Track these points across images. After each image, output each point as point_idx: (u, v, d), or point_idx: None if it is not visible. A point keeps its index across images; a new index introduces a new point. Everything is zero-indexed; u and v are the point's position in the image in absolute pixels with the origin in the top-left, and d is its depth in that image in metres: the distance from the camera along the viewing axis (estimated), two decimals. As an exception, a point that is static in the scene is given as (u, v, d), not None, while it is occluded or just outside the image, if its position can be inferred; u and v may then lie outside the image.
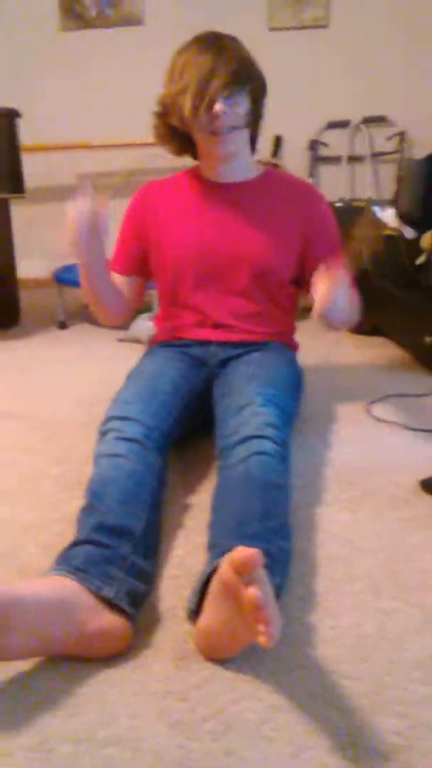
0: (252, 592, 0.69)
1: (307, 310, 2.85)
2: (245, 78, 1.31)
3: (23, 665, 0.83)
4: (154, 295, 2.51)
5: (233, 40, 1.34)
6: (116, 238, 1.56)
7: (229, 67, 1.27)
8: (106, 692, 0.79)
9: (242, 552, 0.70)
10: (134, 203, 1.53)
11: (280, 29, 3.59)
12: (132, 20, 3.69)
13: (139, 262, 1.54)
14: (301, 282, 1.53)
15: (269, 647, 0.70)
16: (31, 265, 3.79)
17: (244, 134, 1.41)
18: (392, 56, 3.53)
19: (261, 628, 0.68)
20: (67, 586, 0.83)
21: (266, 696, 0.77)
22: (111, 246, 1.57)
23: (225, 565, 0.74)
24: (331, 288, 1.21)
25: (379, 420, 1.60)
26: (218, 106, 1.28)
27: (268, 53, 3.56)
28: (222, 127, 1.32)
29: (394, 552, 1.05)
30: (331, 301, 1.21)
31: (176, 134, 1.41)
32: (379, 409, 1.67)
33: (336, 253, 1.53)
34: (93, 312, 1.51)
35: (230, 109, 1.30)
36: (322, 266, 1.26)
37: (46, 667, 0.82)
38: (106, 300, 1.47)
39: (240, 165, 1.46)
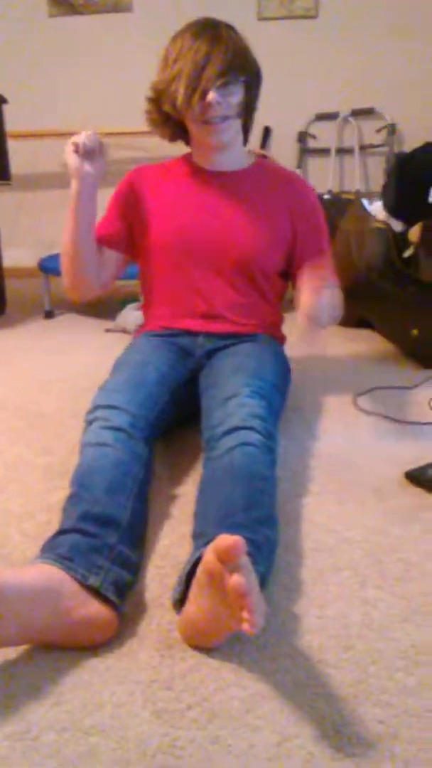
0: (235, 579, 0.69)
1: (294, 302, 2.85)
2: (240, 67, 1.29)
3: (9, 653, 0.82)
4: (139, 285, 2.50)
5: (229, 28, 1.32)
6: (101, 217, 1.52)
7: (224, 56, 1.26)
8: (91, 681, 0.79)
9: (225, 540, 0.70)
10: (123, 185, 1.51)
11: (269, 19, 3.57)
12: (120, 6, 3.65)
13: (122, 239, 1.49)
14: (289, 273, 1.53)
15: (253, 635, 0.70)
16: (17, 254, 3.75)
17: (237, 124, 1.39)
18: (381, 48, 3.52)
19: (245, 615, 0.68)
20: (52, 574, 0.82)
21: (251, 684, 0.78)
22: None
23: (209, 553, 0.74)
24: (316, 296, 1.22)
25: (365, 412, 1.60)
26: (211, 96, 1.27)
27: (257, 43, 3.54)
28: (215, 117, 1.31)
29: (379, 542, 1.06)
30: (318, 309, 1.22)
31: (169, 121, 1.40)
32: (365, 401, 1.67)
33: (324, 246, 1.53)
34: (65, 276, 1.44)
35: (224, 99, 1.29)
36: (308, 266, 1.27)
37: (32, 656, 0.82)
38: (85, 261, 1.40)
39: (232, 154, 1.45)
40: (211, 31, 1.28)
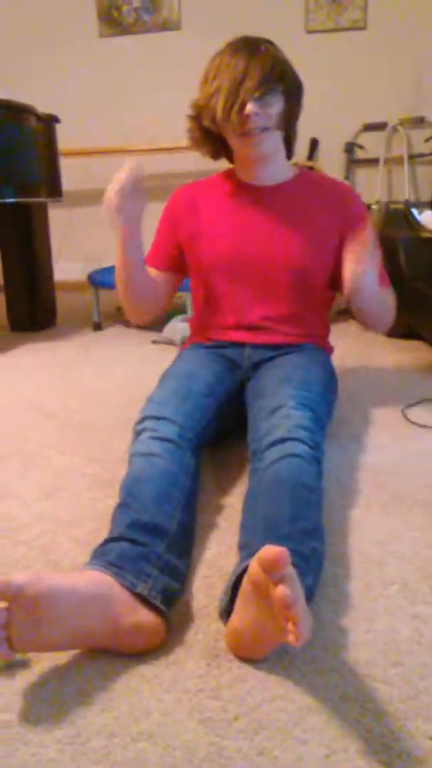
0: (281, 590, 0.68)
1: (342, 313, 2.84)
2: (278, 78, 1.30)
3: (59, 658, 0.84)
4: (188, 297, 2.52)
5: (267, 42, 1.34)
6: (151, 240, 1.57)
7: (261, 68, 1.27)
8: (139, 688, 0.79)
9: (269, 551, 0.70)
10: (170, 206, 1.54)
11: (317, 32, 3.59)
12: (169, 25, 3.73)
13: (174, 259, 1.54)
14: (338, 283, 1.53)
15: (298, 647, 0.69)
16: (68, 267, 3.85)
17: (278, 136, 1.40)
18: (430, 57, 3.49)
19: (290, 627, 0.68)
20: (102, 581, 0.84)
21: (298, 697, 0.77)
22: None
23: (254, 564, 0.74)
24: (359, 258, 1.23)
25: (415, 424, 1.58)
26: (249, 107, 1.28)
27: (305, 55, 3.58)
28: (253, 129, 1.32)
29: (428, 557, 1.04)
30: (362, 270, 1.22)
31: (210, 137, 1.42)
32: (415, 414, 1.65)
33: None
34: (123, 305, 1.49)
35: (262, 110, 1.29)
36: (350, 242, 1.26)
37: (81, 661, 0.83)
38: (139, 290, 1.44)
39: (275, 167, 1.45)
40: (249, 47, 1.30)
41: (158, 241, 1.56)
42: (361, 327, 1.53)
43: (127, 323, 2.88)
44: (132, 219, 1.28)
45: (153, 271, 1.54)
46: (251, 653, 0.83)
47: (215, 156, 1.48)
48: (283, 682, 0.80)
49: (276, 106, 1.32)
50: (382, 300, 1.39)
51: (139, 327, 2.81)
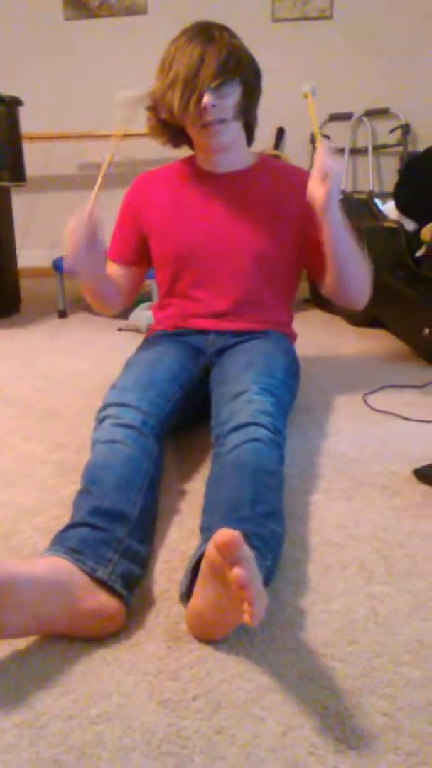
0: (236, 572, 0.69)
1: (306, 302, 2.86)
2: (234, 68, 1.29)
3: (18, 643, 0.84)
4: (153, 284, 2.51)
5: (223, 29, 1.32)
6: (113, 227, 1.56)
7: (217, 57, 1.26)
8: (99, 671, 0.80)
9: (224, 534, 0.71)
10: (130, 193, 1.54)
11: (284, 20, 3.58)
12: (135, 9, 3.68)
13: (137, 253, 1.54)
14: (307, 266, 1.54)
15: (254, 626, 0.71)
16: (32, 254, 3.79)
17: (237, 125, 1.39)
18: (396, 48, 3.52)
19: (245, 607, 0.69)
20: (61, 566, 0.84)
21: (257, 677, 0.78)
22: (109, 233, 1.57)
23: (210, 547, 0.75)
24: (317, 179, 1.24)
25: (375, 410, 1.60)
26: (206, 99, 1.27)
27: (271, 45, 3.57)
28: (212, 120, 1.31)
29: (386, 539, 1.06)
30: (324, 191, 1.23)
31: (169, 126, 1.40)
32: (375, 400, 1.67)
33: None
34: (91, 304, 1.52)
35: (219, 102, 1.29)
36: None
37: (40, 646, 0.84)
38: (105, 298, 1.50)
39: (235, 155, 1.45)
40: (204, 35, 1.28)
41: (120, 233, 1.56)
42: (335, 305, 1.52)
43: (92, 310, 2.86)
44: (93, 273, 1.33)
45: (115, 267, 1.54)
46: (211, 634, 0.84)
47: (176, 144, 1.47)
48: (242, 661, 0.81)
49: (233, 96, 1.31)
50: (353, 248, 1.38)
51: (105, 314, 2.79)
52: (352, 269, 1.41)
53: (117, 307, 1.56)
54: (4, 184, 2.62)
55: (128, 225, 1.54)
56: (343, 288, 1.46)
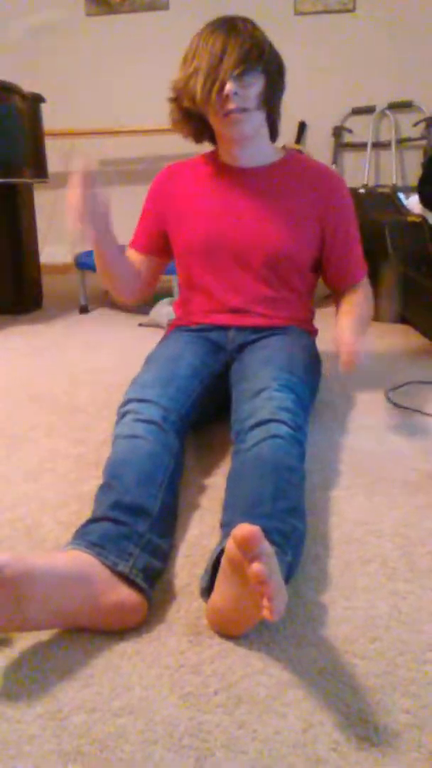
0: (255, 567, 0.69)
1: (327, 297, 2.84)
2: (257, 58, 1.28)
3: (40, 635, 0.85)
4: (174, 280, 2.52)
5: (246, 21, 1.31)
6: (138, 217, 1.57)
7: (240, 46, 1.25)
8: (120, 664, 0.80)
9: (243, 529, 0.71)
10: (154, 185, 1.54)
11: (306, 13, 3.56)
12: (157, 5, 3.68)
13: (158, 243, 1.54)
14: (319, 267, 1.53)
15: (273, 621, 0.70)
16: (53, 250, 3.82)
17: (259, 116, 1.38)
18: (419, 40, 3.48)
19: (265, 602, 0.69)
20: (83, 560, 0.84)
21: (278, 672, 0.78)
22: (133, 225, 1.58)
23: (230, 542, 0.75)
24: (353, 339, 1.25)
25: (398, 406, 1.59)
26: (229, 86, 1.26)
27: (294, 38, 3.55)
28: (234, 108, 1.30)
29: (408, 535, 1.05)
30: (356, 355, 1.23)
31: (191, 118, 1.40)
32: (398, 396, 1.66)
33: (353, 240, 1.52)
34: (108, 289, 1.52)
35: (241, 90, 1.28)
36: (347, 295, 1.27)
37: (63, 639, 0.84)
38: (121, 279, 1.48)
39: (257, 149, 1.44)
40: (227, 26, 1.28)
41: (143, 224, 1.56)
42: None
43: (113, 305, 2.87)
44: (100, 232, 1.29)
45: (135, 255, 1.54)
46: (231, 630, 0.84)
47: (197, 138, 1.47)
48: (263, 657, 0.81)
49: (256, 85, 1.30)
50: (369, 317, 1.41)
51: (126, 310, 2.80)
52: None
53: (134, 294, 1.55)
54: (27, 180, 2.64)
55: (151, 216, 1.54)
56: None
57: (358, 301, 1.48)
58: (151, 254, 1.55)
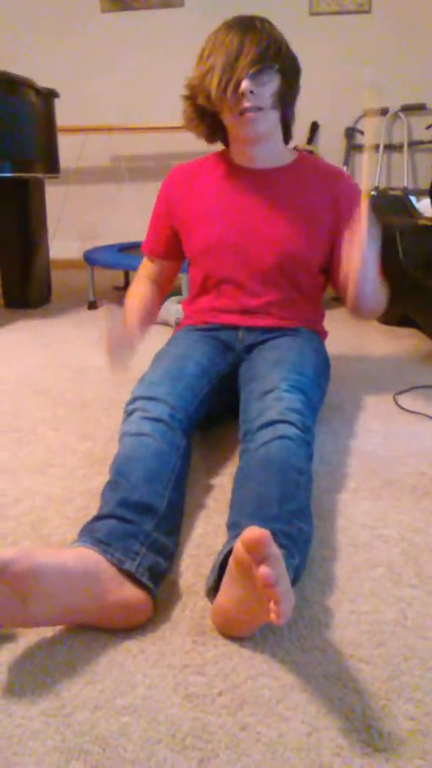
0: (263, 570, 0.69)
1: (336, 300, 2.83)
2: (273, 56, 1.27)
3: (45, 632, 0.85)
4: (183, 278, 2.51)
5: (263, 20, 1.31)
6: (149, 219, 1.57)
7: (256, 45, 1.24)
8: (125, 662, 0.80)
9: (252, 532, 0.71)
10: (164, 186, 1.53)
11: (321, 14, 3.54)
12: (172, 2, 3.67)
13: (172, 247, 1.54)
14: (330, 270, 1.52)
15: (280, 625, 0.70)
16: (63, 245, 3.82)
17: (274, 116, 1.36)
18: (435, 43, 3.46)
19: (272, 606, 0.69)
20: (90, 558, 0.84)
21: (282, 675, 0.78)
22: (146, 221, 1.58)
23: (238, 544, 0.75)
24: (359, 250, 1.23)
25: (406, 410, 1.58)
26: (245, 84, 1.25)
27: (308, 38, 3.54)
28: (249, 107, 1.29)
29: (415, 541, 1.05)
30: (361, 261, 1.23)
31: (205, 117, 1.39)
32: (406, 400, 1.65)
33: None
34: None
35: (257, 88, 1.27)
36: (348, 233, 1.26)
37: (68, 636, 0.84)
38: (152, 320, 1.53)
39: (270, 149, 1.43)
40: (244, 24, 1.27)
41: (154, 227, 1.56)
42: (350, 314, 1.50)
43: (121, 302, 2.87)
44: (125, 358, 1.29)
45: (150, 263, 1.56)
46: (237, 631, 0.83)
47: (210, 138, 1.46)
48: (267, 659, 0.80)
49: (271, 84, 1.29)
50: (379, 292, 1.38)
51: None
52: (371, 300, 1.38)
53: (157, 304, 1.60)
54: (39, 175, 2.64)
55: (162, 218, 1.54)
56: (356, 306, 1.40)
57: None
58: (166, 259, 1.56)
